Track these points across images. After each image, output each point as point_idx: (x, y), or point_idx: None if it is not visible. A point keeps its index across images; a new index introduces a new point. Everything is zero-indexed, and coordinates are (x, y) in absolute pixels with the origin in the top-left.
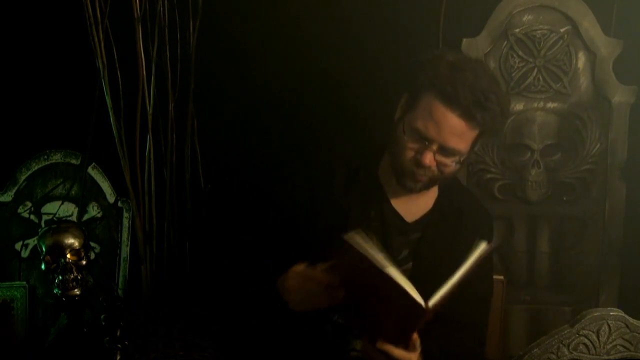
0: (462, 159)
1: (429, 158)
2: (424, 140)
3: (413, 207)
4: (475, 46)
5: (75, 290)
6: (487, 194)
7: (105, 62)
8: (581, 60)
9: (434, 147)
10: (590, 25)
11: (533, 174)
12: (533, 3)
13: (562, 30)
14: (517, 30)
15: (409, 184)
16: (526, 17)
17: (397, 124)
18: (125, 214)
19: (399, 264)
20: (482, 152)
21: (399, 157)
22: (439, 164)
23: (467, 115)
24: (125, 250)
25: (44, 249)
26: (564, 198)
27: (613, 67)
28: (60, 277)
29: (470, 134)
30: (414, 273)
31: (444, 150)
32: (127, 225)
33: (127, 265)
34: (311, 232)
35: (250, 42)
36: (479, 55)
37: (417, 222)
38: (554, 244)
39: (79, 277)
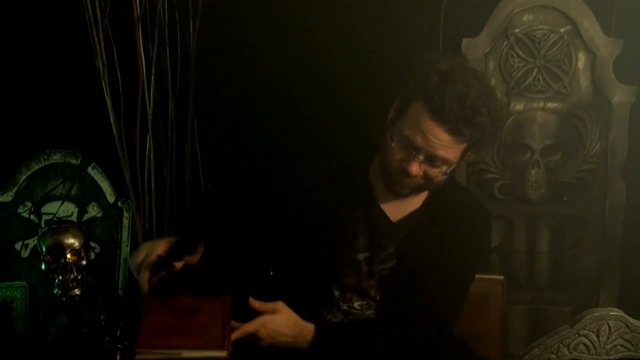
0: (449, 170)
1: (415, 168)
2: (412, 150)
3: (401, 207)
4: (475, 46)
5: (75, 290)
6: (487, 194)
7: (105, 62)
8: (581, 60)
9: (421, 157)
10: (590, 25)
11: (533, 174)
12: (533, 3)
13: (562, 30)
14: (517, 30)
15: (397, 189)
16: (526, 17)
17: (388, 127)
18: (125, 214)
19: (382, 262)
20: (482, 152)
21: (387, 163)
22: (425, 174)
23: (454, 130)
24: (125, 250)
25: (44, 249)
26: (564, 198)
27: (613, 67)
28: (60, 277)
29: (458, 147)
30: (396, 271)
31: (431, 161)
32: (127, 225)
33: (127, 265)
34: (302, 230)
35: (250, 42)
36: (478, 56)
37: (403, 220)
38: (554, 244)
39: (79, 277)
